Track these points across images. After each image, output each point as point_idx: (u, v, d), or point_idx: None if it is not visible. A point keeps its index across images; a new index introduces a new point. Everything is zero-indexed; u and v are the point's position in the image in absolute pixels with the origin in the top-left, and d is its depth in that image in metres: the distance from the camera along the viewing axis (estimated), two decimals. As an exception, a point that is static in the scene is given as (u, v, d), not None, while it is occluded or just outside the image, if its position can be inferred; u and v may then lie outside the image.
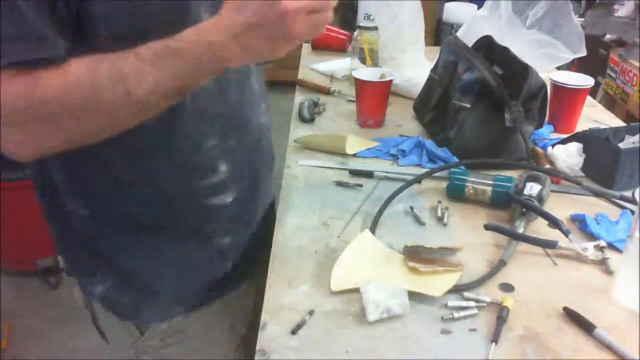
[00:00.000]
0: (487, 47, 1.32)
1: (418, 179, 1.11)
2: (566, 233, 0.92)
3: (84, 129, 0.73)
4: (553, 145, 1.20)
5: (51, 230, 0.96)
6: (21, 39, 0.67)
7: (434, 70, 1.41)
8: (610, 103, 2.50)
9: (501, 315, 0.78)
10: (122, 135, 0.76)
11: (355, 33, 1.72)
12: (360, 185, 1.12)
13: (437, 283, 0.83)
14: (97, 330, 1.04)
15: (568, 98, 1.36)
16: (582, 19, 2.59)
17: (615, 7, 2.57)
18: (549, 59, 1.43)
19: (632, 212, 1.02)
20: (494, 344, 0.75)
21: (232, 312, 1.04)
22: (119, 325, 0.97)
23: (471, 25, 1.53)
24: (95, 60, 0.70)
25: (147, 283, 0.93)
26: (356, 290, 0.81)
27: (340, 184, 1.13)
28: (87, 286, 0.95)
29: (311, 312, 0.79)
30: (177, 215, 0.91)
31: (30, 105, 0.68)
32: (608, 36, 2.68)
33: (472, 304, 0.81)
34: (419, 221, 1.02)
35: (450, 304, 0.81)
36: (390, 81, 1.38)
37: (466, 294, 0.83)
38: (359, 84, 1.38)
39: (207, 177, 0.88)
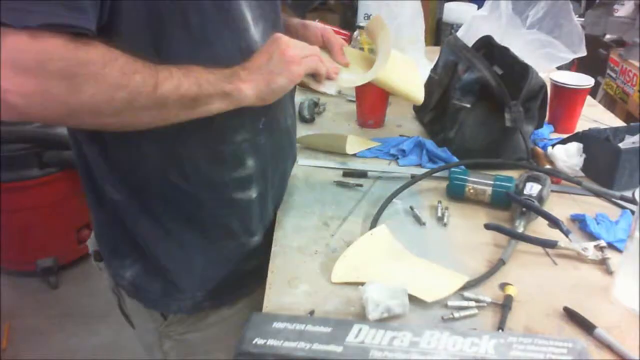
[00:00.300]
0: (487, 47, 1.32)
1: (418, 179, 1.11)
2: (566, 233, 0.92)
3: (96, 105, 0.72)
4: (553, 145, 1.20)
5: (90, 213, 0.99)
6: (64, 3, 0.68)
7: (434, 70, 1.41)
8: (610, 103, 2.50)
9: (506, 303, 0.80)
10: None
11: (355, 33, 1.72)
12: (361, 185, 1.12)
13: (437, 289, 0.83)
14: (122, 315, 1.08)
15: (568, 98, 1.36)
16: (582, 19, 2.59)
17: (615, 7, 2.57)
18: (549, 59, 1.43)
19: (632, 212, 1.02)
20: (500, 331, 0.76)
21: (256, 308, 1.05)
22: (143, 311, 1.00)
23: (471, 25, 1.53)
24: (132, 55, 0.74)
25: (176, 274, 0.95)
26: (356, 289, 0.81)
27: (340, 184, 1.13)
28: (117, 270, 0.97)
29: (312, 312, 0.79)
30: (206, 206, 0.92)
31: (68, 65, 0.68)
32: (608, 36, 2.68)
33: (472, 303, 0.81)
34: (419, 221, 1.02)
35: (450, 303, 0.81)
36: (390, 81, 1.37)
37: (466, 293, 0.83)
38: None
39: (236, 169, 0.91)
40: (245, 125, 0.91)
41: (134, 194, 0.90)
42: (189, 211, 0.92)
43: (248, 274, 1.00)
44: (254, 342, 0.68)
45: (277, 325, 0.70)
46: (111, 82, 0.71)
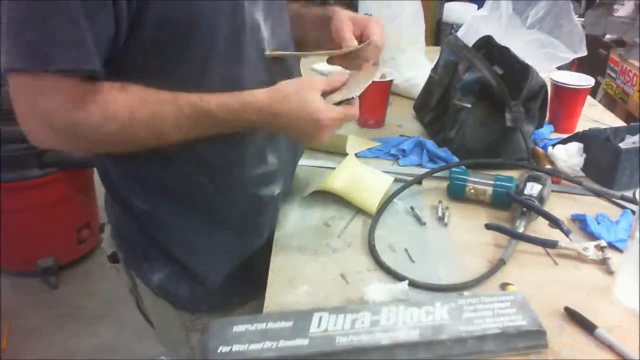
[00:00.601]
0: (487, 47, 1.31)
1: (419, 179, 1.11)
2: (567, 233, 0.92)
3: (110, 150, 0.84)
4: (553, 145, 1.20)
5: (110, 217, 1.01)
6: (70, 45, 0.71)
7: (434, 70, 1.41)
8: (610, 103, 2.50)
9: None
10: None
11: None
12: (361, 185, 1.12)
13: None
14: (142, 314, 1.09)
15: (568, 98, 1.36)
16: (582, 19, 2.58)
17: (615, 7, 2.57)
18: (549, 59, 1.43)
19: (633, 212, 1.02)
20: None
21: None
22: (169, 309, 1.00)
23: (471, 25, 1.52)
24: (138, 100, 0.76)
25: (205, 275, 0.96)
26: (357, 289, 0.81)
27: (340, 183, 1.12)
28: (145, 273, 0.98)
29: (312, 312, 0.79)
30: (232, 205, 0.94)
31: (69, 123, 0.74)
32: (608, 36, 2.68)
33: (473, 303, 0.81)
34: (419, 221, 1.01)
35: (451, 303, 0.81)
36: (391, 81, 1.37)
37: (466, 294, 0.83)
38: (359, 84, 1.37)
39: (258, 166, 0.92)
40: None
41: (160, 202, 0.91)
42: (217, 211, 0.93)
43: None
44: (218, 350, 0.67)
45: (238, 328, 0.70)
46: (112, 140, 0.77)
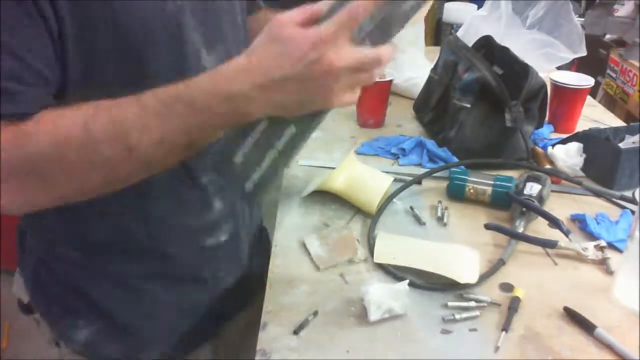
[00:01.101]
0: (487, 47, 1.31)
1: (418, 179, 1.11)
2: (566, 233, 0.92)
3: (80, 186, 0.66)
4: (553, 145, 1.20)
5: (25, 264, 0.91)
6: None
7: (434, 70, 1.41)
8: (610, 103, 2.50)
9: (512, 305, 0.80)
10: None
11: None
12: (361, 185, 1.12)
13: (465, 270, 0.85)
14: None
15: (568, 98, 1.36)
16: (582, 19, 2.58)
17: (615, 7, 2.57)
18: (549, 59, 1.43)
19: (633, 212, 1.02)
20: (503, 332, 0.76)
21: (226, 345, 1.04)
22: None
23: (471, 25, 1.53)
24: (92, 110, 0.62)
25: (140, 331, 0.89)
26: (356, 289, 0.81)
27: (340, 184, 1.13)
28: (66, 330, 0.88)
29: (315, 313, 0.79)
30: (174, 259, 0.87)
31: (19, 162, 0.61)
32: (608, 36, 2.68)
33: (473, 304, 0.81)
34: (419, 221, 1.01)
35: (450, 304, 0.81)
36: (390, 81, 1.37)
37: (465, 294, 0.83)
38: (359, 84, 1.37)
39: (203, 215, 0.84)
40: (207, 164, 0.80)
41: (92, 252, 0.83)
42: (156, 266, 0.86)
43: (217, 318, 0.97)
44: None
45: None
46: (74, 167, 0.63)
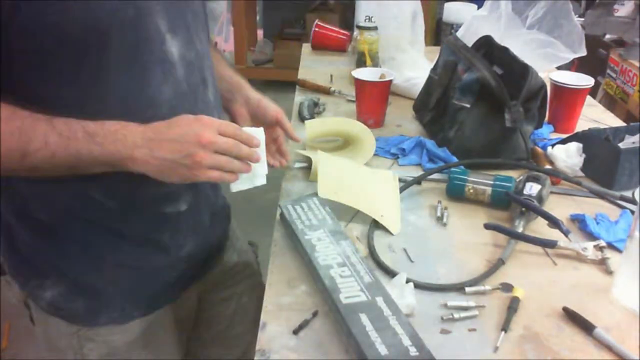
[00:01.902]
0: (487, 47, 1.32)
1: (418, 179, 1.11)
2: (566, 233, 0.92)
3: None
4: (553, 145, 1.20)
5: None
6: None
7: (434, 70, 1.41)
8: (610, 103, 2.50)
9: (512, 305, 0.80)
10: None
11: (355, 33, 1.72)
12: (360, 185, 1.12)
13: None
14: (33, 324, 1.01)
15: (568, 98, 1.36)
16: (582, 19, 2.59)
17: (615, 7, 2.57)
18: (549, 59, 1.43)
19: (632, 212, 1.02)
20: (503, 332, 0.76)
21: (180, 311, 1.06)
22: (59, 321, 0.95)
23: (471, 25, 1.53)
24: (8, 113, 0.73)
25: (103, 291, 0.93)
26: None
27: (340, 183, 1.12)
28: (34, 290, 0.93)
29: (315, 313, 0.79)
30: (134, 223, 0.91)
31: None
32: (608, 36, 2.68)
33: (472, 303, 0.81)
34: (419, 221, 1.01)
35: (450, 303, 0.81)
36: (390, 81, 1.38)
37: (467, 289, 0.83)
38: (359, 84, 1.38)
39: (161, 185, 0.84)
40: None
41: (57, 217, 0.88)
42: (118, 229, 0.90)
43: (176, 282, 1.00)
44: None
45: None
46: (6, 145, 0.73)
